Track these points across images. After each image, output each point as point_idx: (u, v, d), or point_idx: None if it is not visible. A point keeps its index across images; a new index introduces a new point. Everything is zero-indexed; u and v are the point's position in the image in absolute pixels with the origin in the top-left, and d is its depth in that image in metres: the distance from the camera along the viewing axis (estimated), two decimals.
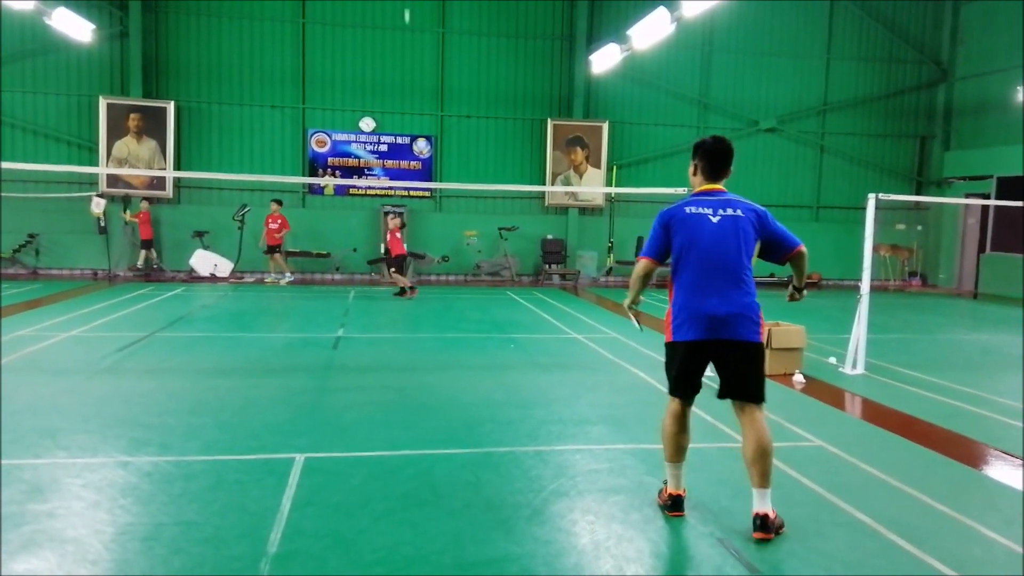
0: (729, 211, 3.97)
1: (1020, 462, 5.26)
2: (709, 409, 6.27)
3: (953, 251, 19.33)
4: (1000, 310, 14.83)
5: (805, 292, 4.40)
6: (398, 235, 14.01)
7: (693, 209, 3.99)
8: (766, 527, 3.77)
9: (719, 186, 4.11)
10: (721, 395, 4.00)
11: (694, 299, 3.91)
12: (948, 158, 19.48)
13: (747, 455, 3.88)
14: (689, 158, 4.25)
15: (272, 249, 15.93)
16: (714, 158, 4.10)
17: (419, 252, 17.41)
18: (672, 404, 4.11)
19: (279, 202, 16.04)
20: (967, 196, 18.43)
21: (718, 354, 3.94)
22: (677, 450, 4.10)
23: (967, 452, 5.46)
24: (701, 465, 4.87)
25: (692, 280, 3.93)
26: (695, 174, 4.17)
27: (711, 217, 3.95)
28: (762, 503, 3.80)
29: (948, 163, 19.45)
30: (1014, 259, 17.13)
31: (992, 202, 14.28)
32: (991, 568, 3.60)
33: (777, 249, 4.12)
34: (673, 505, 4.08)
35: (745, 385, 3.94)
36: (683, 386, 4.06)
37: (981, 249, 18.33)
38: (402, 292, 13.82)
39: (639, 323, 4.47)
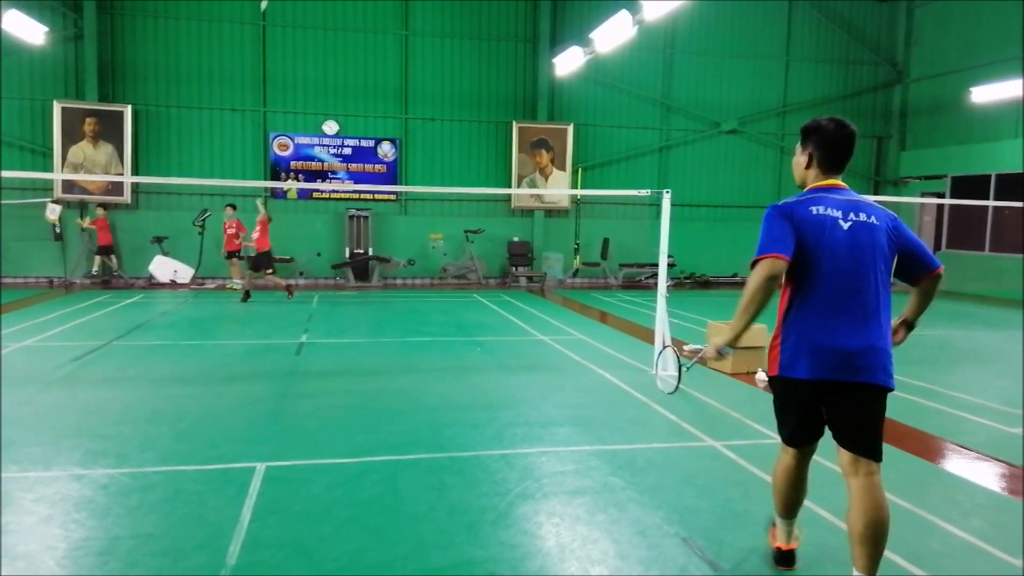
0: (863, 216, 3.12)
1: (975, 456, 5.38)
2: (671, 408, 6.32)
3: None
4: (955, 306, 15.18)
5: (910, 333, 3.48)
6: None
7: (820, 209, 3.10)
8: None
9: (840, 182, 3.26)
10: (840, 441, 3.21)
11: (818, 328, 3.06)
12: (904, 158, 19.93)
13: (855, 528, 3.09)
14: (800, 143, 3.37)
15: (231, 255, 15.67)
16: (837, 146, 3.24)
17: (384, 256, 17.30)
18: (785, 455, 3.39)
19: (233, 206, 15.64)
20: (923, 195, 18.89)
21: (840, 397, 3.11)
22: (789, 506, 3.42)
23: (924, 446, 5.58)
24: (666, 464, 4.90)
25: (819, 303, 3.06)
26: (808, 166, 3.29)
27: (841, 223, 3.09)
28: None
29: (904, 163, 19.90)
30: (969, 256, 17.58)
31: (947, 201, 14.62)
32: (948, 560, 3.66)
33: (913, 266, 3.29)
34: (783, 559, 3.50)
35: (868, 437, 3.13)
36: (799, 436, 3.30)
37: (937, 247, 18.77)
38: (247, 295, 13.55)
39: (679, 381, 3.59)
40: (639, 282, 18.01)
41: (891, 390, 3.14)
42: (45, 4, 15.88)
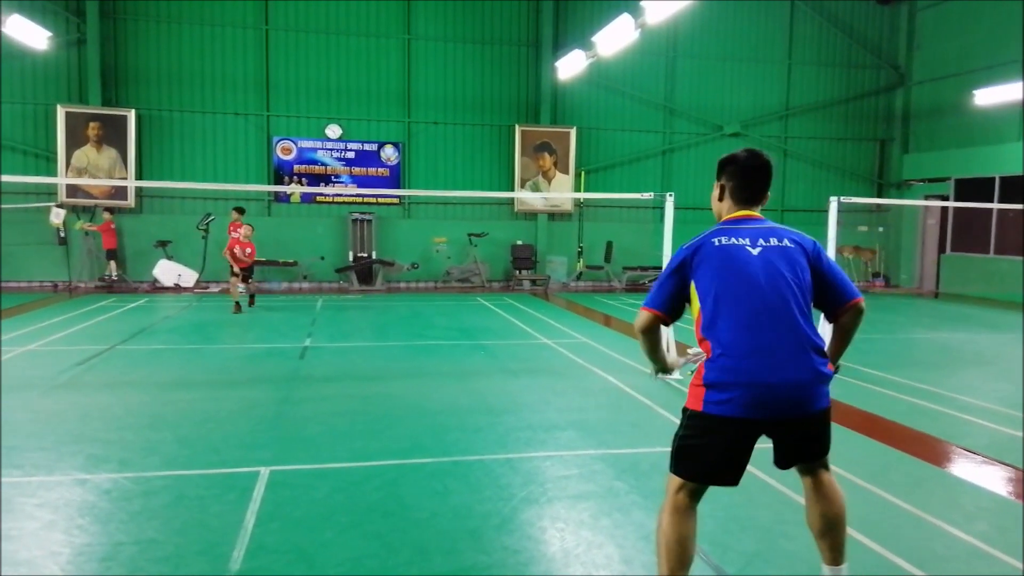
0: (774, 241, 2.96)
1: (979, 459, 5.36)
2: (675, 411, 6.31)
3: (914, 252, 19.75)
4: (959, 308, 15.17)
5: (840, 366, 3.22)
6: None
7: (724, 240, 2.97)
8: None
9: (755, 213, 3.10)
10: (782, 465, 3.05)
11: (746, 360, 2.80)
12: (907, 160, 19.90)
13: (814, 525, 3.09)
14: (716, 178, 3.24)
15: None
16: (749, 177, 3.10)
17: (388, 259, 17.31)
18: (676, 494, 2.93)
19: (240, 210, 15.55)
20: (926, 198, 18.86)
21: (779, 431, 2.92)
22: (681, 563, 2.90)
23: (928, 449, 5.56)
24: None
25: (738, 334, 2.82)
26: (721, 199, 3.17)
27: (750, 248, 2.93)
28: None
29: (907, 165, 19.88)
30: (973, 259, 17.54)
31: (951, 203, 14.60)
32: (952, 564, 3.65)
33: (830, 296, 3.02)
34: None
35: (815, 451, 3.03)
36: (707, 473, 2.91)
37: (941, 249, 18.74)
38: (239, 306, 12.57)
39: (676, 364, 3.45)
40: (643, 285, 18.00)
41: (830, 406, 2.99)
42: (48, 9, 15.94)
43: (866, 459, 5.21)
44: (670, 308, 3.01)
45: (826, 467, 3.09)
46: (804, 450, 3.02)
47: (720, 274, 2.90)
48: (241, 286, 12.68)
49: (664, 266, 3.19)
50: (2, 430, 5.57)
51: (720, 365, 2.83)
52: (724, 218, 3.13)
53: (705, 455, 2.88)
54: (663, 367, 3.28)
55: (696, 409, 2.89)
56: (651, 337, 3.08)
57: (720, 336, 2.85)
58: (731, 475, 2.92)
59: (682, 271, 2.98)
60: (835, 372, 3.04)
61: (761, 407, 2.79)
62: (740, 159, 3.11)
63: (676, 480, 2.94)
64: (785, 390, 2.80)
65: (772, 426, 2.87)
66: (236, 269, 12.57)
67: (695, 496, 2.95)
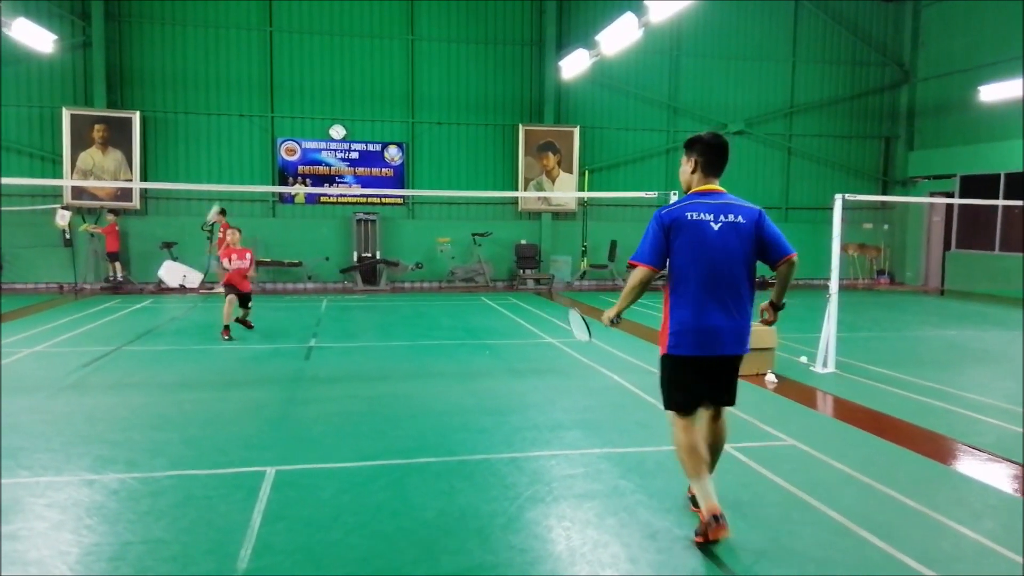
0: (731, 217, 3.78)
1: (986, 457, 5.34)
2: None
3: (919, 249, 19.68)
4: (965, 306, 15.12)
5: (779, 313, 4.12)
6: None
7: (694, 215, 3.77)
8: (718, 520, 3.69)
9: (718, 186, 3.91)
10: (709, 399, 3.98)
11: (697, 314, 3.75)
12: (912, 158, 19.84)
13: (706, 448, 3.96)
14: (684, 153, 3.98)
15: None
16: (714, 153, 3.89)
17: (392, 259, 17.33)
18: (678, 421, 3.90)
19: (222, 211, 15.61)
20: (931, 195, 18.81)
21: (714, 367, 3.87)
22: (699, 462, 3.81)
23: (935, 447, 5.54)
24: (675, 467, 4.86)
25: (695, 293, 3.75)
26: (693, 171, 3.93)
27: (713, 224, 3.75)
28: (712, 494, 3.82)
29: (912, 163, 19.82)
30: (978, 256, 17.48)
31: (956, 200, 14.54)
32: (959, 562, 3.64)
33: (770, 252, 3.87)
34: (718, 524, 3.66)
35: (730, 393, 3.99)
36: (688, 402, 3.87)
37: (946, 247, 18.68)
38: (228, 331, 9.96)
39: (590, 334, 4.51)
40: None
41: (745, 354, 3.92)
42: (54, 12, 16.00)
43: (875, 458, 5.20)
44: (659, 262, 3.82)
45: (724, 410, 4.05)
46: (725, 392, 3.96)
47: (690, 244, 3.75)
48: (239, 309, 10.25)
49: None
50: (11, 432, 5.59)
51: (679, 318, 3.80)
52: (694, 189, 3.92)
53: (683, 388, 3.88)
54: (619, 314, 3.97)
55: (666, 355, 3.90)
56: (643, 290, 3.82)
57: (681, 293, 3.79)
58: (698, 396, 3.89)
59: (666, 233, 3.79)
60: (779, 310, 4.08)
61: (706, 343, 3.77)
62: (707, 139, 3.91)
63: (669, 413, 3.97)
64: (721, 332, 3.77)
65: (713, 360, 3.83)
66: (221, 289, 10.39)
67: (690, 419, 3.89)
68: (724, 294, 3.76)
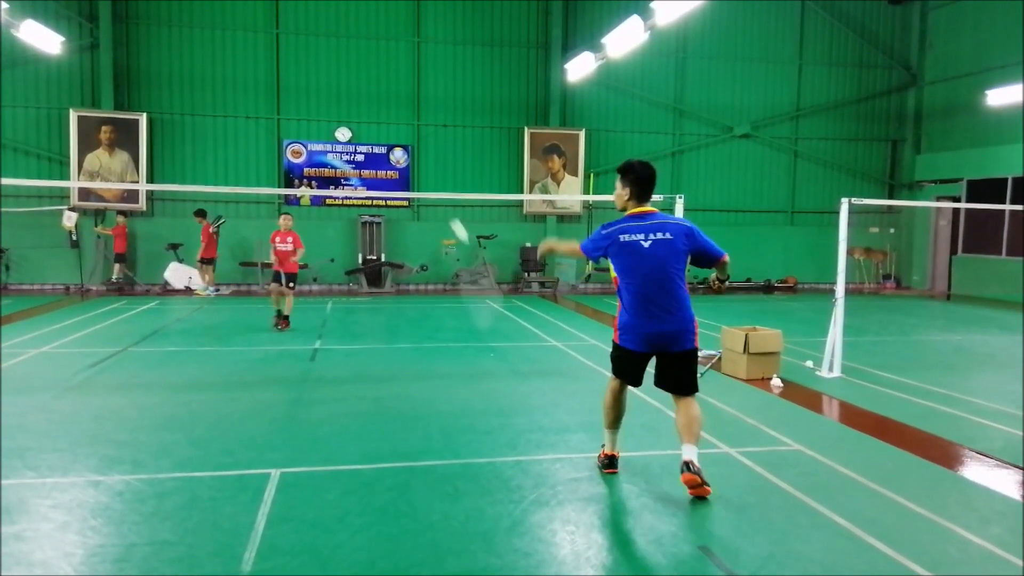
0: (659, 235, 4.42)
1: (993, 462, 5.32)
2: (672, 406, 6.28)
3: (926, 253, 19.61)
4: (972, 310, 15.05)
5: (727, 283, 4.90)
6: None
7: (627, 237, 4.45)
8: (689, 468, 4.29)
9: (648, 208, 4.56)
10: (660, 386, 4.62)
11: (637, 320, 4.45)
12: (919, 161, 19.78)
13: (680, 425, 4.48)
14: (619, 179, 4.63)
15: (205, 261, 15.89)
16: (643, 183, 4.55)
17: (397, 261, 17.34)
18: (613, 383, 4.75)
19: (201, 213, 15.98)
20: (938, 199, 18.74)
21: (660, 360, 4.55)
22: (616, 419, 4.79)
23: (941, 452, 5.52)
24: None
25: (633, 303, 4.44)
26: (628, 198, 4.58)
27: (643, 243, 4.41)
28: (689, 453, 4.36)
29: (919, 166, 19.75)
30: (985, 260, 17.41)
31: (963, 204, 14.48)
32: (967, 568, 3.62)
33: (704, 260, 4.59)
34: (609, 463, 4.80)
35: (684, 384, 4.54)
36: (624, 376, 4.67)
37: (953, 251, 18.61)
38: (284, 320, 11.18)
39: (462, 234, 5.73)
40: None
41: (694, 349, 4.54)
42: (62, 14, 16.07)
43: (881, 463, 5.18)
44: (594, 257, 4.71)
45: (692, 397, 4.55)
46: (677, 382, 4.54)
47: (625, 260, 4.46)
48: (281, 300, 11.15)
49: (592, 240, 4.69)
50: (18, 432, 5.61)
51: (623, 321, 4.54)
52: (628, 212, 4.59)
53: (621, 366, 4.67)
54: (550, 249, 5.22)
55: (615, 341, 4.65)
56: (572, 256, 5.34)
57: (625, 300, 4.52)
58: (633, 378, 4.65)
59: (604, 249, 4.56)
60: (724, 284, 4.87)
61: (646, 344, 4.49)
62: (637, 169, 4.58)
63: (610, 376, 4.81)
64: (659, 336, 4.44)
65: (654, 356, 4.55)
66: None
67: (622, 385, 4.75)
68: (660, 303, 4.39)
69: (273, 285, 11.32)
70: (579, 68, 16.22)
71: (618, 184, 4.64)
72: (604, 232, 4.56)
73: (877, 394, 7.34)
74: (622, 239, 4.46)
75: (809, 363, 8.60)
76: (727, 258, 4.64)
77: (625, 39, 13.53)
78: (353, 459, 5.13)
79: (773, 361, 7.90)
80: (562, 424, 6.05)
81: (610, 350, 4.79)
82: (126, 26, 16.60)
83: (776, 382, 7.62)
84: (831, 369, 8.12)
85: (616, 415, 4.78)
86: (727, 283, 4.91)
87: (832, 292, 8.46)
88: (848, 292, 8.65)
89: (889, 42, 19.93)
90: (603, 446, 4.91)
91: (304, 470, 4.89)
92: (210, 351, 9.38)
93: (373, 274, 17.24)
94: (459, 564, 3.57)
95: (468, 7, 18.01)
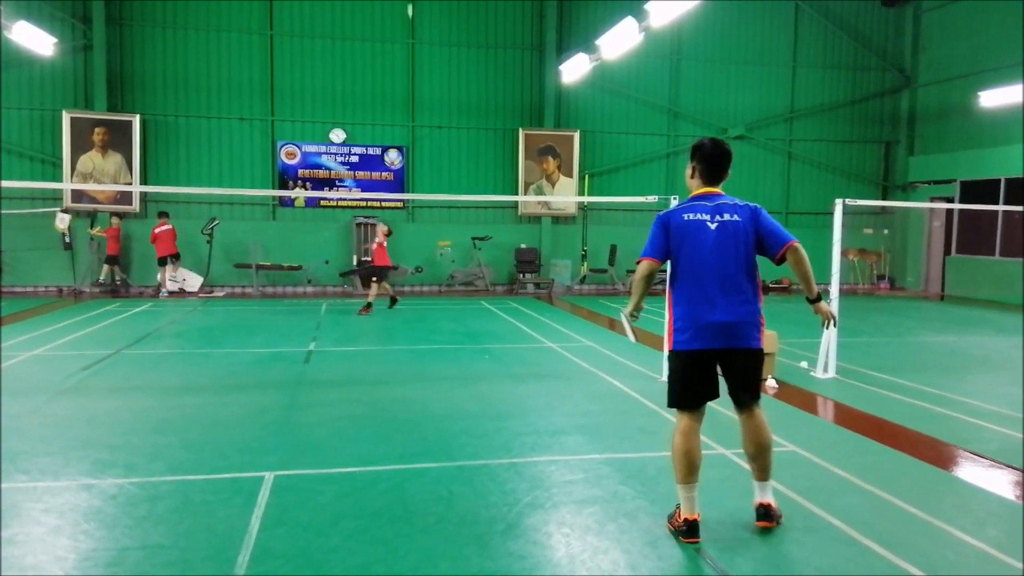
0: (727, 216, 3.92)
1: (989, 463, 5.32)
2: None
3: (920, 254, 19.67)
4: (966, 311, 15.10)
5: (823, 304, 4.13)
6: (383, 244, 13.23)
7: (691, 215, 3.94)
8: (769, 516, 3.95)
9: (717, 189, 4.06)
10: (732, 393, 4.03)
11: (697, 309, 3.87)
12: (912, 163, 19.84)
13: (748, 451, 4.03)
14: (689, 160, 4.15)
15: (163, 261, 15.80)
16: (713, 161, 4.04)
17: (392, 263, 17.28)
18: (681, 420, 3.95)
19: (163, 214, 15.97)
20: (932, 200, 18.79)
21: (723, 361, 3.95)
22: (690, 470, 3.87)
23: (937, 454, 5.52)
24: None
25: (693, 289, 3.89)
26: (692, 176, 4.12)
27: (709, 224, 3.90)
28: (763, 494, 3.99)
29: (912, 167, 19.82)
30: (979, 261, 17.47)
31: (956, 206, 14.50)
32: (963, 570, 3.62)
33: (768, 244, 3.95)
34: (688, 531, 3.82)
35: (748, 389, 3.98)
36: (692, 397, 3.93)
37: (947, 252, 18.67)
38: (368, 307, 13.10)
39: (635, 335, 4.31)
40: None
41: (760, 349, 3.97)
42: (55, 15, 16.01)
43: (876, 465, 5.18)
44: (661, 256, 3.99)
45: (759, 407, 4.03)
46: (740, 385, 3.96)
47: (686, 241, 3.92)
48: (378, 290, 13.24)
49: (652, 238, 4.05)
50: (11, 436, 5.57)
51: (678, 314, 3.96)
52: (693, 193, 4.09)
53: (685, 383, 3.94)
54: (636, 307, 4.14)
55: (671, 350, 4.02)
56: (649, 281, 3.99)
57: (683, 288, 3.93)
58: (706, 388, 3.93)
59: (665, 231, 3.98)
60: (817, 301, 4.13)
61: (706, 336, 3.85)
62: (707, 148, 4.06)
63: (676, 413, 4.02)
64: (721, 326, 3.85)
65: (718, 354, 3.90)
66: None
67: (695, 418, 3.94)
68: (724, 290, 3.85)
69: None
70: (574, 69, 16.23)
71: (688, 167, 4.16)
72: (661, 216, 4.02)
73: (872, 395, 7.35)
74: (686, 217, 3.93)
75: (804, 364, 8.61)
76: (797, 244, 3.94)
77: (619, 40, 13.54)
78: (347, 462, 5.11)
79: (768, 362, 7.90)
80: (557, 426, 6.03)
81: (670, 372, 4.07)
82: (119, 28, 16.55)
83: (771, 383, 7.62)
84: (826, 370, 8.13)
85: (689, 464, 3.86)
86: (820, 302, 4.13)
87: (826, 293, 8.44)
88: (842, 293, 8.67)
89: (883, 44, 20.00)
90: (677, 506, 3.96)
91: (298, 473, 4.87)
92: (204, 354, 9.34)
93: (367, 276, 17.17)
94: (454, 567, 3.56)
95: (462, 9, 18.00)
